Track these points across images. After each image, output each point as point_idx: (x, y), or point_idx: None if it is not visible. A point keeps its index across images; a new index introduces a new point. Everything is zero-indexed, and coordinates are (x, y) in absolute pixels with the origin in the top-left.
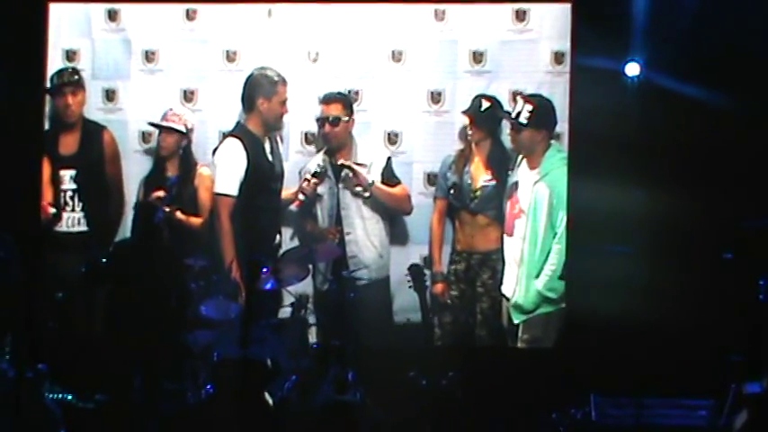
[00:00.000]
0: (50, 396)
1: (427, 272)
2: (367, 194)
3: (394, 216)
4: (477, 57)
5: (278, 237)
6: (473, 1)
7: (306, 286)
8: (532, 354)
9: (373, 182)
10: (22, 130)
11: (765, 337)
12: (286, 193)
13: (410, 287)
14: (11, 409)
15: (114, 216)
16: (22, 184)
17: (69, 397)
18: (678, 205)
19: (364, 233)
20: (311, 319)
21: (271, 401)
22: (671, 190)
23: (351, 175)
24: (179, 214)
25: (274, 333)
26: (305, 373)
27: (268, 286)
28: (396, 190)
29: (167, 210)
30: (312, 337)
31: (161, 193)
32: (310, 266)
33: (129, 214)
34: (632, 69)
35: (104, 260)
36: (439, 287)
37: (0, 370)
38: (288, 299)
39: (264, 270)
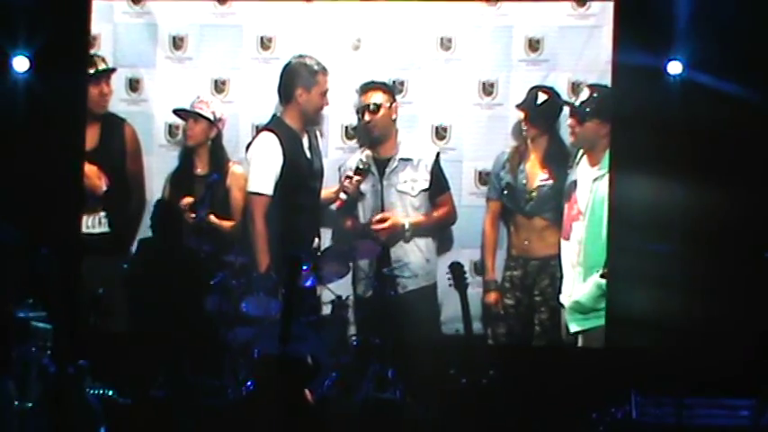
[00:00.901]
0: (91, 391)
1: (479, 278)
2: (409, 233)
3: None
4: (534, 44)
5: (317, 240)
6: None
7: (346, 284)
8: (573, 353)
9: (410, 225)
10: (64, 126)
11: None
12: (326, 192)
13: (450, 285)
14: (52, 405)
15: (135, 215)
16: (62, 184)
17: (110, 392)
18: (720, 203)
19: (411, 231)
20: (351, 317)
21: (311, 398)
22: (713, 188)
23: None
24: (212, 218)
25: (315, 330)
26: (345, 371)
27: (308, 283)
28: (437, 214)
29: (193, 216)
30: (352, 334)
31: (190, 200)
32: (350, 264)
33: (149, 212)
34: (674, 68)
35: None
36: (492, 296)
37: (41, 366)
38: (328, 296)
39: (305, 267)
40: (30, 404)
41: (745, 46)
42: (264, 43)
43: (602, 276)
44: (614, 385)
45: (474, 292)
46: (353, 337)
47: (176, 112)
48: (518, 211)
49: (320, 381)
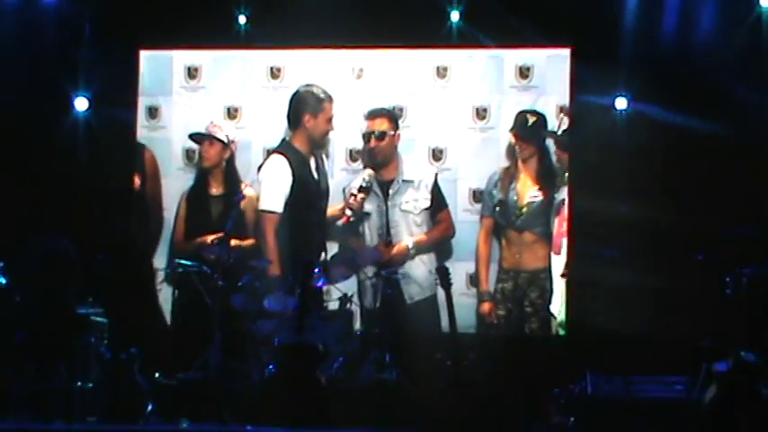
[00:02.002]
0: (141, 375)
1: (474, 289)
2: (413, 252)
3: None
4: (524, 72)
5: (323, 254)
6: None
7: (351, 283)
8: (540, 340)
9: (413, 244)
10: (116, 154)
11: (730, 324)
12: (331, 209)
13: (437, 284)
14: (108, 386)
15: (155, 233)
16: (116, 202)
17: (156, 375)
18: (659, 215)
19: (415, 250)
20: (355, 311)
21: (322, 379)
22: (653, 202)
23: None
24: (233, 242)
25: (325, 322)
26: (350, 356)
27: (320, 283)
28: (437, 233)
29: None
30: (356, 325)
31: (213, 237)
32: (355, 267)
33: (168, 231)
34: (621, 103)
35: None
36: (486, 306)
37: (99, 353)
38: (336, 294)
39: (316, 270)
40: (90, 384)
41: (680, 84)
42: (274, 73)
43: (562, 276)
44: (573, 366)
45: (469, 302)
46: (357, 330)
47: (192, 136)
48: (509, 226)
49: (329, 364)
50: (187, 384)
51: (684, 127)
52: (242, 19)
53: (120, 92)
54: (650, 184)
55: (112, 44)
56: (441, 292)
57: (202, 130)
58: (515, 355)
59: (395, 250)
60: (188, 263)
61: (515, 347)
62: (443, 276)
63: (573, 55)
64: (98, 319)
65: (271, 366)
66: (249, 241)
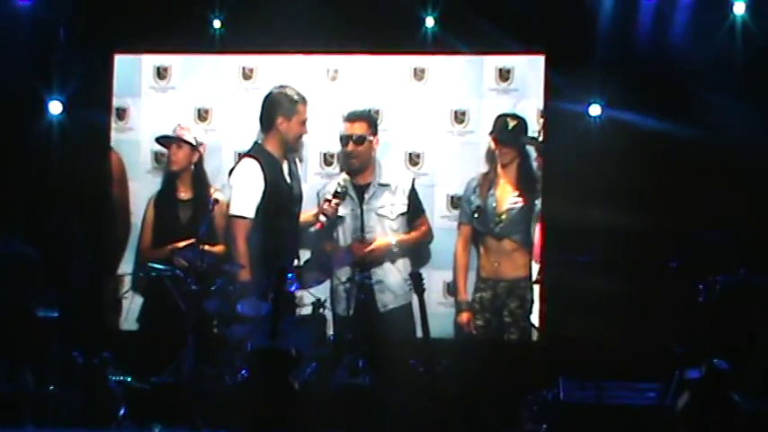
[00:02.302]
0: (113, 378)
1: (451, 299)
2: (396, 249)
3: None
4: (504, 74)
5: (296, 261)
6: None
7: (324, 288)
8: (513, 346)
9: (396, 242)
10: (89, 158)
11: (703, 332)
12: (305, 215)
13: (410, 290)
14: (80, 390)
15: (121, 238)
16: (89, 207)
17: (129, 379)
18: (633, 221)
19: (398, 248)
20: (328, 316)
21: (295, 384)
22: (627, 208)
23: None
24: (205, 247)
25: (298, 327)
26: (323, 361)
27: (293, 288)
28: (416, 234)
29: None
30: (329, 330)
31: (178, 245)
32: (328, 272)
33: (135, 236)
34: (595, 110)
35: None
36: (464, 316)
37: (71, 357)
38: (309, 299)
39: (290, 275)
40: (51, 387)
41: (653, 91)
42: (246, 74)
43: (534, 282)
44: (546, 372)
45: (446, 311)
46: (330, 335)
47: (159, 139)
48: (488, 234)
49: (302, 369)
50: (160, 388)
51: (659, 133)
52: (216, 23)
53: (94, 96)
54: (625, 190)
55: (87, 48)
56: (415, 300)
57: (170, 133)
58: (489, 360)
59: (375, 245)
60: (161, 266)
61: (488, 353)
62: (417, 282)
63: (547, 61)
64: (69, 322)
65: (244, 371)
66: (219, 247)
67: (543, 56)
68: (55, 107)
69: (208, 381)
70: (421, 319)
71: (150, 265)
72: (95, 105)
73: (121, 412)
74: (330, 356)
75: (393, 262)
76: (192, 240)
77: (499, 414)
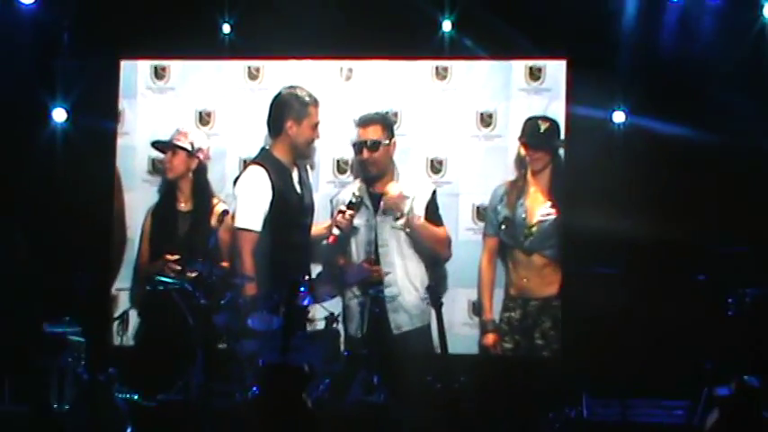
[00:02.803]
0: (119, 396)
1: (476, 319)
2: (404, 226)
3: (435, 257)
4: (535, 73)
5: (307, 277)
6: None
7: (337, 303)
8: (535, 362)
9: (413, 213)
10: (94, 165)
11: (733, 347)
12: (316, 227)
13: (428, 306)
14: (86, 407)
15: (116, 254)
16: (94, 215)
17: (135, 397)
18: (658, 232)
19: (404, 273)
20: (342, 330)
21: (308, 401)
22: (652, 218)
23: (387, 203)
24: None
25: (311, 342)
26: (337, 377)
27: (305, 302)
28: (438, 230)
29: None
30: (342, 345)
31: (172, 257)
32: (341, 286)
33: (132, 250)
34: (618, 117)
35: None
36: (490, 338)
37: (77, 374)
38: (322, 313)
39: (302, 289)
40: (66, 406)
41: (680, 96)
42: (252, 73)
43: (556, 297)
44: (568, 389)
45: (472, 333)
46: (344, 351)
47: (154, 144)
48: (517, 248)
49: (315, 386)
50: (167, 406)
51: (685, 140)
52: (226, 28)
53: (100, 103)
54: (649, 200)
55: (92, 54)
56: (434, 318)
57: (168, 138)
58: (508, 377)
59: (390, 191)
60: (169, 280)
61: (508, 370)
62: (434, 295)
63: (568, 66)
64: (75, 338)
65: (255, 388)
66: (223, 264)
67: (565, 61)
68: (59, 115)
69: (217, 398)
70: (438, 332)
71: (158, 278)
72: (102, 113)
73: (128, 431)
74: (344, 373)
75: (409, 280)
76: (177, 257)
77: None
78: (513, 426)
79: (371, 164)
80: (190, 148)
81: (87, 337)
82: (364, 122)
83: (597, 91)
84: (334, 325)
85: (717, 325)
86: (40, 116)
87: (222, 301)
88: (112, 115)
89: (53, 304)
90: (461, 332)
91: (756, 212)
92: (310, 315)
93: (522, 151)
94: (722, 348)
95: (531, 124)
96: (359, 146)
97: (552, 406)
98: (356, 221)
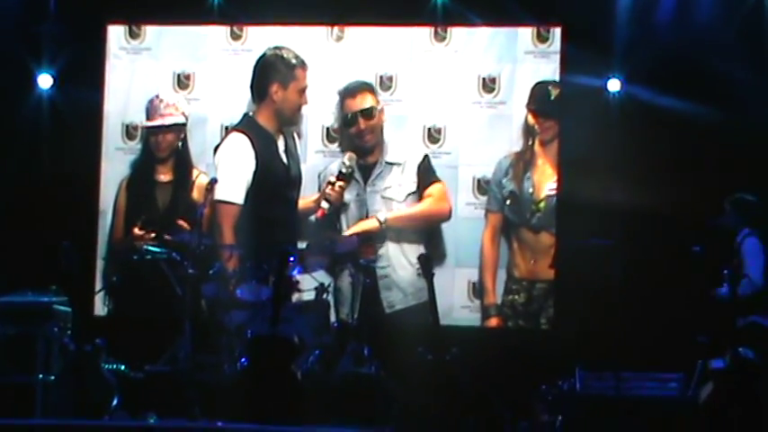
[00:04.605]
0: (107, 367)
1: (477, 302)
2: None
3: (432, 232)
4: (542, 34)
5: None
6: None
7: (328, 272)
8: (527, 333)
9: (385, 219)
10: (81, 133)
11: (727, 320)
12: (304, 201)
13: (419, 275)
14: (72, 378)
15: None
16: (80, 184)
17: (123, 367)
18: (654, 203)
19: (398, 249)
20: (332, 301)
21: (298, 373)
22: (648, 190)
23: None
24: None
25: (300, 313)
26: (327, 349)
27: (295, 272)
28: (421, 207)
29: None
30: (333, 316)
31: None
32: (332, 255)
33: (105, 224)
34: (614, 85)
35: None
36: (492, 322)
37: (63, 344)
38: (312, 283)
39: (292, 258)
40: (52, 377)
41: (674, 66)
42: (235, 33)
43: (549, 267)
44: (561, 362)
45: (472, 316)
46: (334, 322)
47: (149, 129)
48: (523, 225)
49: (305, 357)
50: (155, 377)
51: (680, 111)
52: None
53: (86, 69)
54: (644, 170)
55: (79, 19)
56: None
57: (147, 110)
58: (500, 349)
59: (358, 228)
60: (157, 249)
61: (501, 342)
62: (425, 265)
63: (563, 33)
64: (61, 308)
65: (243, 359)
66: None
67: (559, 28)
68: (45, 81)
69: (205, 369)
70: (430, 304)
71: (146, 247)
72: (88, 80)
73: (115, 402)
74: (334, 344)
75: (404, 256)
76: (151, 232)
77: (512, 405)
78: (504, 398)
79: (369, 132)
80: (184, 120)
81: (74, 308)
82: (352, 91)
83: (592, 58)
84: (324, 296)
85: (712, 297)
86: (26, 83)
87: (210, 272)
88: (98, 81)
89: (39, 273)
90: (461, 315)
91: (753, 183)
92: (300, 286)
93: (530, 119)
94: (717, 321)
95: (540, 90)
96: (353, 117)
97: (545, 379)
98: (346, 196)
